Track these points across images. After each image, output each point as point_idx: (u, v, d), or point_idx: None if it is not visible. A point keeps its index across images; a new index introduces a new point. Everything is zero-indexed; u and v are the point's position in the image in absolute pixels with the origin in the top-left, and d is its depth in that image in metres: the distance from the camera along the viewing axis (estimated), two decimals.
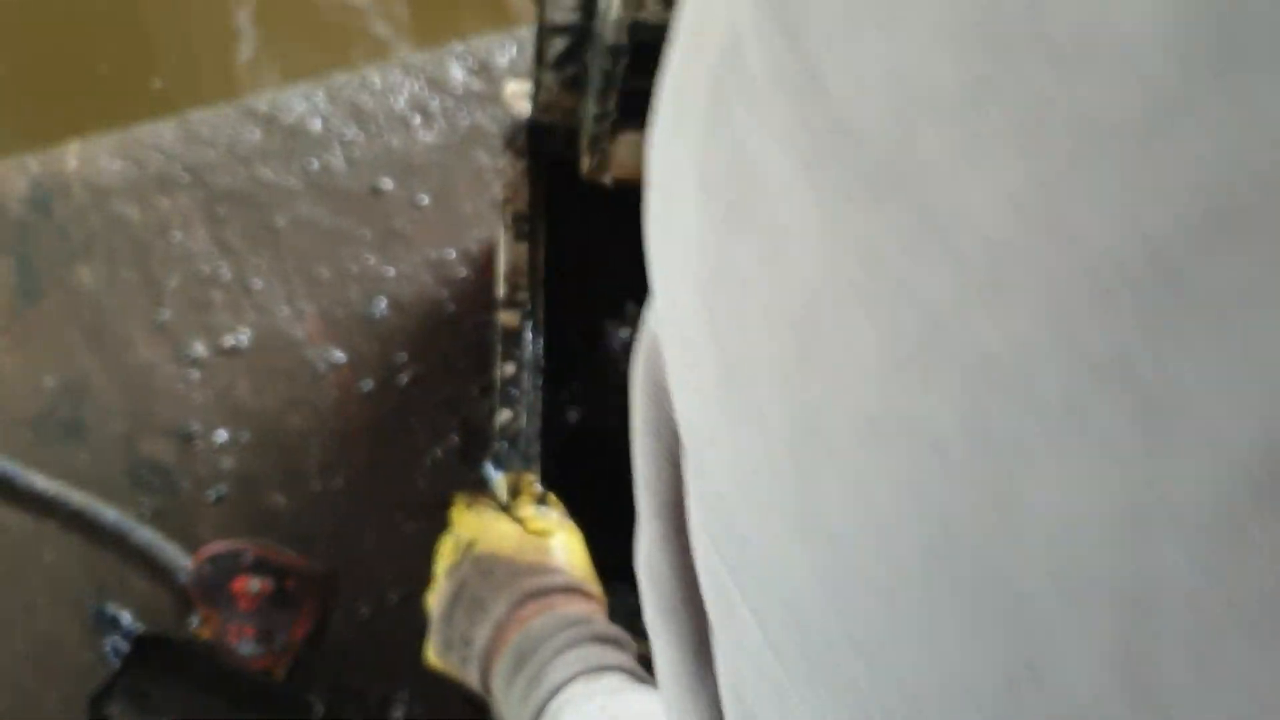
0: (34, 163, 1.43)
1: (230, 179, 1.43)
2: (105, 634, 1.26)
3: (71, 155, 1.44)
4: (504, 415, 0.96)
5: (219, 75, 1.74)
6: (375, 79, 1.49)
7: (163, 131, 1.46)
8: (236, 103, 1.48)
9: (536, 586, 0.77)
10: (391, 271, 1.40)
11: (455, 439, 1.34)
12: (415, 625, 1.29)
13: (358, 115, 1.46)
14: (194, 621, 1.26)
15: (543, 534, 0.83)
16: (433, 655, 0.85)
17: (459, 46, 1.51)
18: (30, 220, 1.40)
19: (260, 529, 1.30)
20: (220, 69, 1.77)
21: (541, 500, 0.88)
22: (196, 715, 1.22)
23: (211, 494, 1.31)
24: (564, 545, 0.82)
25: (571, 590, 0.79)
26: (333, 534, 1.31)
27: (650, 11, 0.77)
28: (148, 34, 1.78)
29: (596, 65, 0.86)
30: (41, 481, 1.30)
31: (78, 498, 1.29)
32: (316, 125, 1.46)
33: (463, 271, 1.40)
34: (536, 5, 0.86)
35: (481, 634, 0.78)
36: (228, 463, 1.32)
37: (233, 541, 1.28)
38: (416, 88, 1.48)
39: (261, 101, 1.47)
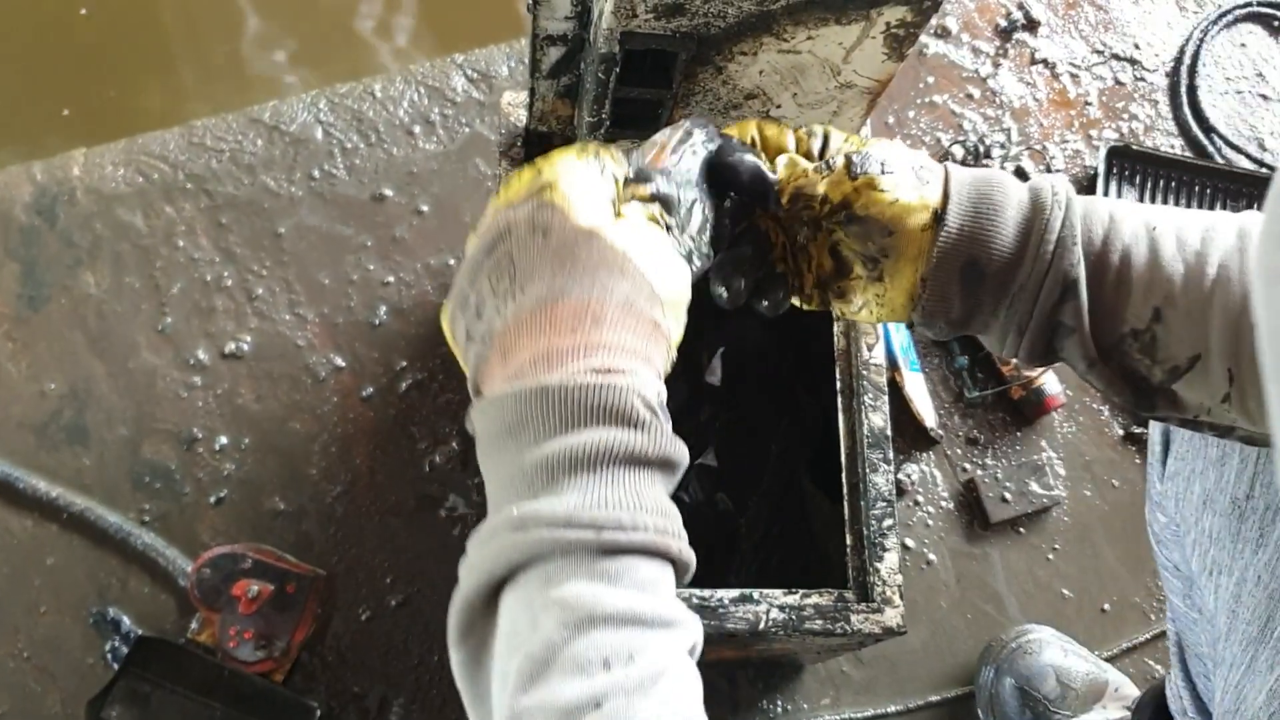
0: (39, 170, 1.45)
1: (233, 187, 1.45)
2: (106, 637, 1.27)
3: (76, 163, 1.45)
4: None
5: (225, 83, 1.76)
6: (377, 88, 1.50)
7: (167, 140, 1.48)
8: (240, 112, 1.49)
9: (588, 296, 0.54)
10: (392, 278, 1.41)
11: (455, 445, 1.35)
12: (415, 629, 1.30)
13: (359, 124, 1.48)
14: (194, 625, 1.27)
15: (632, 234, 0.58)
16: (445, 316, 0.61)
17: (460, 56, 1.52)
18: (35, 227, 1.42)
19: (261, 533, 1.31)
20: (227, 77, 1.78)
21: (655, 220, 0.62)
22: (195, 719, 1.23)
23: (213, 498, 1.32)
24: (659, 255, 0.58)
25: (635, 314, 0.55)
26: (332, 538, 1.32)
27: (641, 21, 0.78)
28: (155, 45, 1.80)
29: (590, 74, 0.87)
30: (44, 485, 1.31)
31: (80, 502, 1.31)
32: (318, 134, 1.47)
33: None
34: (530, 15, 0.87)
35: (498, 317, 0.56)
36: (229, 467, 1.33)
37: (233, 545, 1.29)
38: (417, 97, 1.49)
39: (265, 110, 1.49)
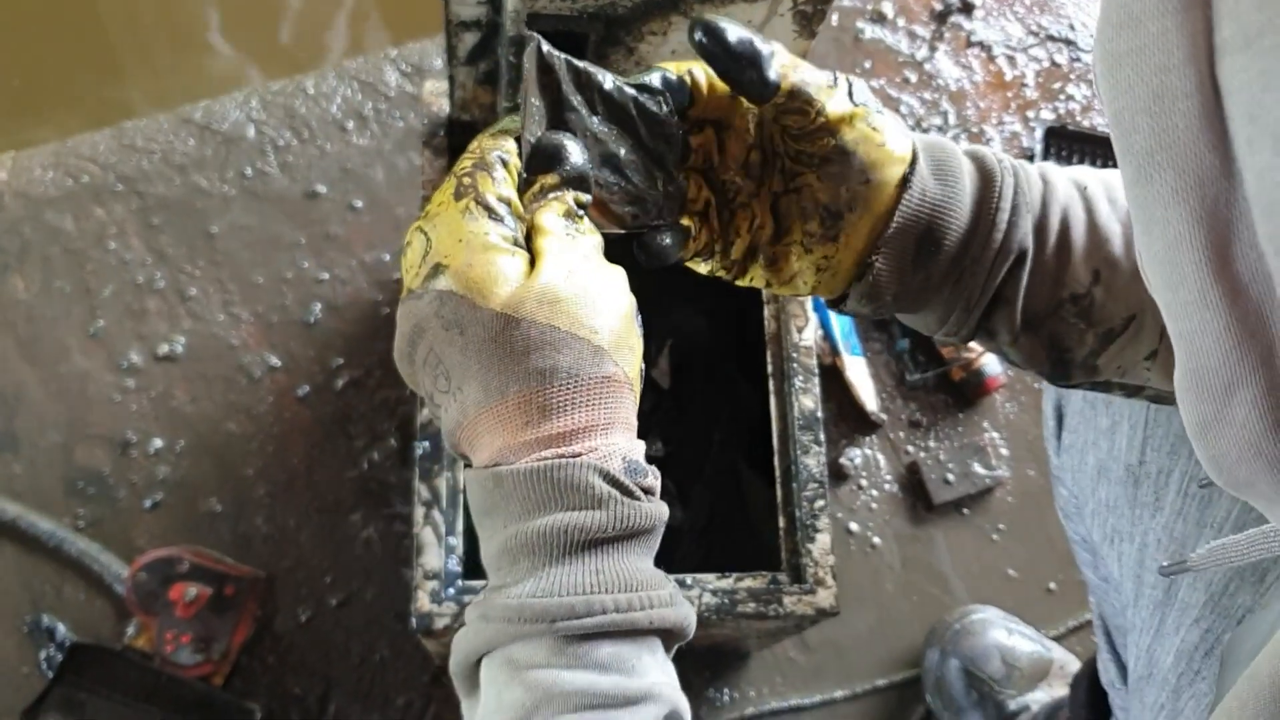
0: None
1: (165, 187, 1.43)
2: (40, 645, 1.25)
3: (4, 166, 1.43)
4: (424, 415, 0.96)
5: (156, 83, 1.73)
6: (309, 84, 1.48)
7: (97, 142, 1.45)
8: (171, 111, 1.47)
9: (529, 389, 0.51)
10: (326, 275, 1.39)
11: (392, 441, 1.34)
12: (355, 628, 1.28)
13: (291, 121, 1.46)
14: (131, 630, 1.25)
15: (547, 293, 0.52)
16: (396, 360, 0.58)
17: (394, 50, 1.51)
18: None
19: (198, 535, 1.30)
20: (161, 76, 1.76)
21: (574, 214, 0.56)
22: None
23: (148, 502, 1.30)
24: (586, 296, 0.52)
25: (583, 384, 0.52)
26: (270, 538, 1.30)
27: (546, 2, 0.77)
28: (82, 45, 1.77)
29: (503, 58, 0.86)
30: None
31: (12, 509, 1.28)
32: (250, 132, 1.45)
33: (397, 274, 1.40)
34: (442, 1, 0.86)
35: (449, 413, 0.54)
36: (164, 470, 1.31)
37: (169, 549, 1.27)
38: (350, 92, 1.48)
39: (196, 110, 1.47)
